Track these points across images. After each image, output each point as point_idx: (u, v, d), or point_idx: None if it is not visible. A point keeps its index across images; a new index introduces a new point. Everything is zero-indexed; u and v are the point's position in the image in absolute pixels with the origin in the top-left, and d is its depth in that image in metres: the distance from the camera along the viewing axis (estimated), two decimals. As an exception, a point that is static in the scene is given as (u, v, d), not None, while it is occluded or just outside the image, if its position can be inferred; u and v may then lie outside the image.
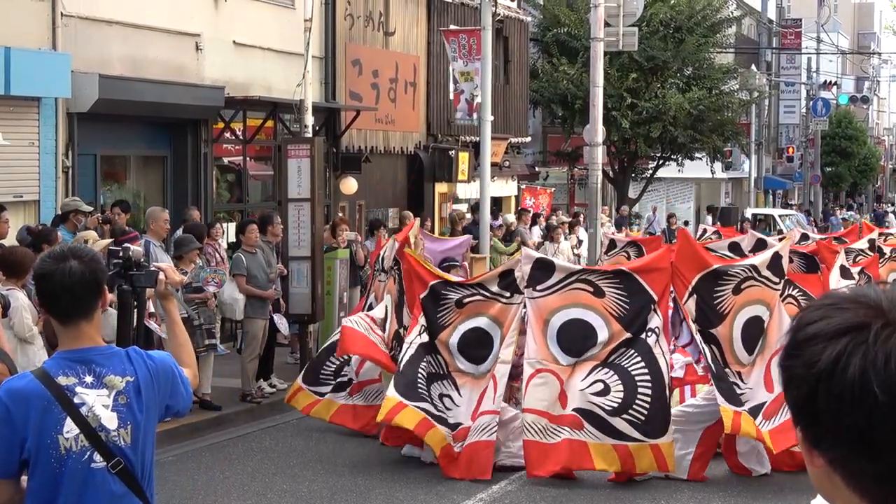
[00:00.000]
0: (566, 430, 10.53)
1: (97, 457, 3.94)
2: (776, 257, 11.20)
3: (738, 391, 10.75)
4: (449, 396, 10.97)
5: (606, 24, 23.32)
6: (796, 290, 11.57)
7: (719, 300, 10.85)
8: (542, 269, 10.93)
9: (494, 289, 11.07)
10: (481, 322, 11.06)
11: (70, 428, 3.90)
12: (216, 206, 18.71)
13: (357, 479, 10.67)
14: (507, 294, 11.03)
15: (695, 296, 10.86)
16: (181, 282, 4.78)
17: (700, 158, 35.67)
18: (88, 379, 3.95)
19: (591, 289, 10.75)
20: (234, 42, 18.61)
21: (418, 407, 10.77)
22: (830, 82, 56.04)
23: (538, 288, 10.85)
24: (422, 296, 11.20)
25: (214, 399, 13.36)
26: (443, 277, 11.46)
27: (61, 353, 4.02)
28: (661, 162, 34.73)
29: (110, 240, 11.71)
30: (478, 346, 11.06)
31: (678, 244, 11.58)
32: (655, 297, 10.70)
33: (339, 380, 12.45)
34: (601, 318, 10.71)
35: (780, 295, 11.12)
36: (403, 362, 11.04)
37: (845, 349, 1.37)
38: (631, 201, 34.91)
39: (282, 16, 19.77)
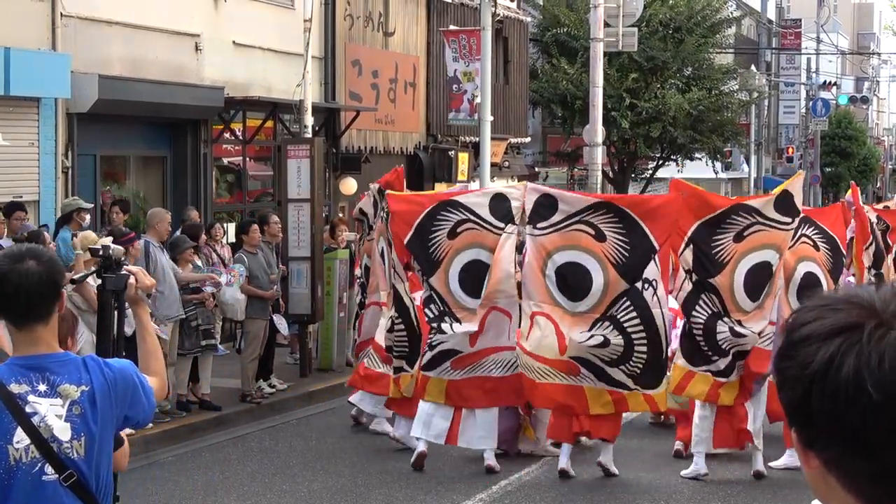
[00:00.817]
0: (562, 375, 10.52)
1: (49, 469, 3.72)
2: (784, 196, 10.85)
3: (737, 330, 10.70)
4: (449, 326, 10.83)
5: (606, 25, 23.34)
6: (811, 227, 11.22)
7: (718, 249, 10.75)
8: (546, 205, 10.63)
9: (487, 216, 10.81)
10: (478, 254, 10.79)
11: (20, 438, 3.69)
12: (216, 206, 18.72)
13: (356, 480, 10.68)
14: (502, 225, 10.79)
15: (692, 246, 10.77)
16: (152, 286, 4.62)
17: (700, 159, 35.68)
18: (42, 387, 3.75)
19: (592, 231, 10.52)
20: (233, 42, 18.62)
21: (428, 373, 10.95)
22: (830, 83, 56.04)
23: (539, 226, 10.63)
24: (406, 240, 10.93)
25: (214, 399, 13.37)
26: (438, 199, 11.18)
27: (15, 360, 3.81)
28: (660, 162, 34.74)
29: (110, 239, 11.72)
30: (477, 280, 10.78)
31: (672, 194, 11.33)
32: (657, 247, 10.46)
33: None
34: (598, 263, 10.50)
35: (794, 235, 10.89)
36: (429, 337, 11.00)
37: (839, 349, 1.38)
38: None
39: (281, 16, 19.78)
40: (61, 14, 15.13)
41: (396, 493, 10.26)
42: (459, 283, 10.83)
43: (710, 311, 10.78)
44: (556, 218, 10.62)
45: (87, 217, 13.48)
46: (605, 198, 11.08)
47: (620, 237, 10.51)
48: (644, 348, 10.45)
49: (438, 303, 10.94)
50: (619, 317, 10.51)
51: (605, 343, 10.50)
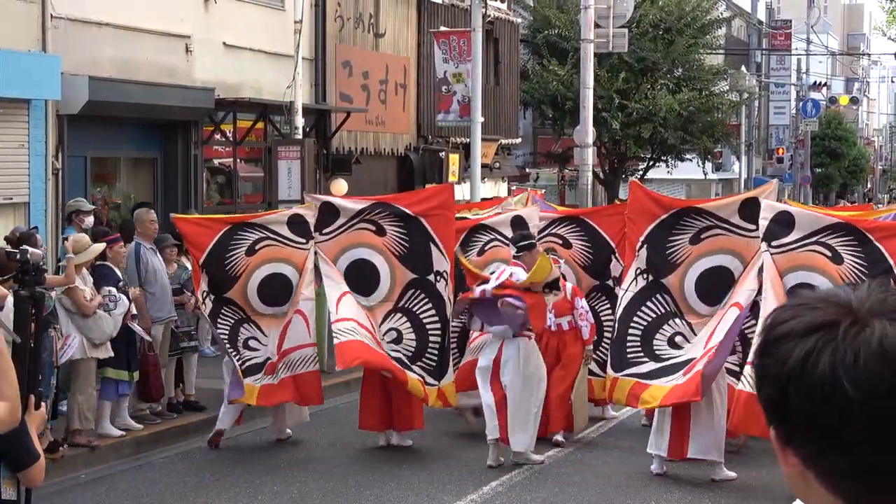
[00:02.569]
0: None
1: None
2: (751, 203, 10.72)
3: (675, 341, 10.76)
4: (255, 338, 11.76)
5: (596, 26, 23.38)
6: (835, 235, 10.44)
7: (672, 250, 10.79)
8: (782, 223, 10.44)
9: (287, 234, 11.76)
10: (280, 268, 11.75)
11: None
12: (206, 208, 18.69)
13: (348, 481, 10.69)
14: (303, 241, 11.76)
15: (646, 245, 10.84)
16: (4, 297, 4.34)
17: (690, 159, 35.72)
18: None
19: (829, 253, 10.28)
20: (224, 44, 18.61)
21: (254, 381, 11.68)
22: (820, 83, 56.17)
23: (774, 244, 10.41)
24: (200, 261, 11.73)
25: (202, 400, 13.36)
26: (231, 221, 12.05)
27: None
28: (651, 163, 34.77)
29: (103, 244, 11.71)
30: (278, 292, 11.76)
31: (630, 196, 11.52)
32: None
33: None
34: (833, 285, 10.04)
35: (804, 244, 10.43)
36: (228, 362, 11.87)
37: (815, 346, 1.40)
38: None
39: (272, 18, 19.78)
40: (51, 15, 15.11)
41: (387, 493, 10.27)
42: (258, 294, 11.74)
43: (660, 312, 10.82)
44: (793, 236, 10.39)
45: (88, 219, 13.45)
46: (843, 219, 10.86)
47: (860, 261, 10.24)
48: None
49: (236, 310, 11.74)
50: None
51: None
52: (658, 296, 10.85)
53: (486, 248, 12.59)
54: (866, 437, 1.37)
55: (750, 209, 10.72)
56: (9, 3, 14.69)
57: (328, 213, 11.82)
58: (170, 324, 12.82)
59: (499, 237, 12.60)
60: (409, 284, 11.77)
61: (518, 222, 12.74)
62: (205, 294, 11.78)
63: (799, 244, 10.35)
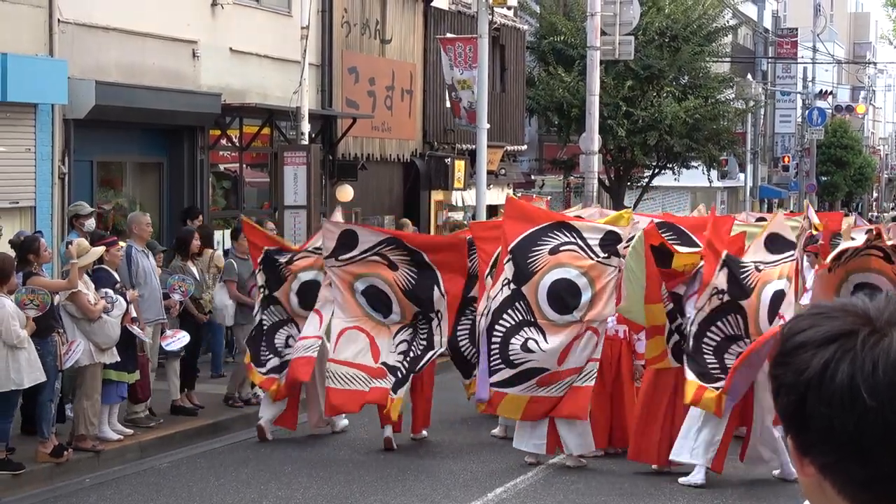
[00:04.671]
0: None
1: None
2: (773, 238, 11.47)
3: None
4: (292, 336, 12.76)
5: (603, 33, 23.39)
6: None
7: (745, 275, 11.13)
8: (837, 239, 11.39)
9: (309, 247, 12.85)
10: (312, 275, 12.68)
11: None
12: (211, 213, 18.69)
13: (352, 487, 10.68)
14: (321, 249, 12.55)
15: (725, 269, 11.13)
16: None
17: (696, 167, 35.72)
18: None
19: (881, 254, 10.87)
20: (230, 49, 18.62)
21: (262, 372, 12.67)
22: (826, 92, 56.17)
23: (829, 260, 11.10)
24: (258, 259, 12.93)
25: (207, 405, 13.35)
26: (279, 245, 13.22)
27: None
28: (656, 170, 34.77)
29: (102, 248, 11.70)
30: (314, 296, 12.65)
31: (711, 221, 11.87)
32: None
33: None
34: (892, 284, 10.75)
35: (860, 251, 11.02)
36: (251, 338, 12.91)
37: (833, 356, 1.40)
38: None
39: (278, 23, 19.80)
40: (58, 20, 15.12)
41: (391, 499, 10.27)
42: (297, 298, 12.76)
43: (728, 333, 11.02)
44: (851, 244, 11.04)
45: (88, 222, 13.45)
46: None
47: None
48: None
49: (281, 310, 12.83)
50: None
51: None
52: (729, 317, 11.14)
53: (560, 248, 11.53)
54: (884, 447, 1.36)
55: (775, 243, 11.40)
56: (16, 8, 14.71)
57: (347, 240, 12.39)
58: (158, 326, 12.82)
59: (578, 242, 11.54)
60: (415, 315, 12.45)
61: (611, 237, 11.70)
62: (261, 288, 12.93)
63: (856, 252, 10.93)
